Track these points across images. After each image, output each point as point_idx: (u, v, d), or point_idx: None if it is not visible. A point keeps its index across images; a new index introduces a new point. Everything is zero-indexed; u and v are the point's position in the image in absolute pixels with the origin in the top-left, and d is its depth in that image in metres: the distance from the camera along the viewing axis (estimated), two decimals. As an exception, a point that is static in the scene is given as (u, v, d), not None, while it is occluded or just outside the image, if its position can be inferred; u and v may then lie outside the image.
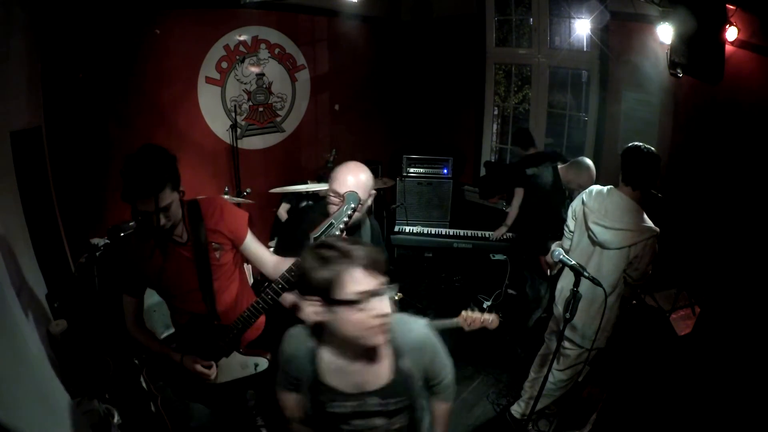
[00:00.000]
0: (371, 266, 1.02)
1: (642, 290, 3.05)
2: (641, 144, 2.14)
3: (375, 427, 1.19)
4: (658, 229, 2.08)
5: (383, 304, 1.04)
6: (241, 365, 1.76)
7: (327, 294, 1.01)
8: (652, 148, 2.12)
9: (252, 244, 1.78)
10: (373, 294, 1.02)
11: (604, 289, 1.83)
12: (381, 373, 1.17)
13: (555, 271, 2.57)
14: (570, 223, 2.43)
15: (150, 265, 1.66)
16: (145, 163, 1.48)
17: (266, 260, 1.79)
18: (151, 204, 1.46)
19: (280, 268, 1.65)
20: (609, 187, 2.25)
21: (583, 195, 2.33)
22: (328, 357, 1.16)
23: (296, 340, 1.21)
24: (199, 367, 1.69)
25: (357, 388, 1.16)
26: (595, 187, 2.32)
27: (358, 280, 1.01)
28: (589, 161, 3.10)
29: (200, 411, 1.81)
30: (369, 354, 1.13)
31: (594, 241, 2.20)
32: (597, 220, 2.17)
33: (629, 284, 2.22)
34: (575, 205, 2.39)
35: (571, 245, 2.39)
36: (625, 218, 2.10)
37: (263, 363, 1.78)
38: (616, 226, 2.10)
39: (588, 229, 2.23)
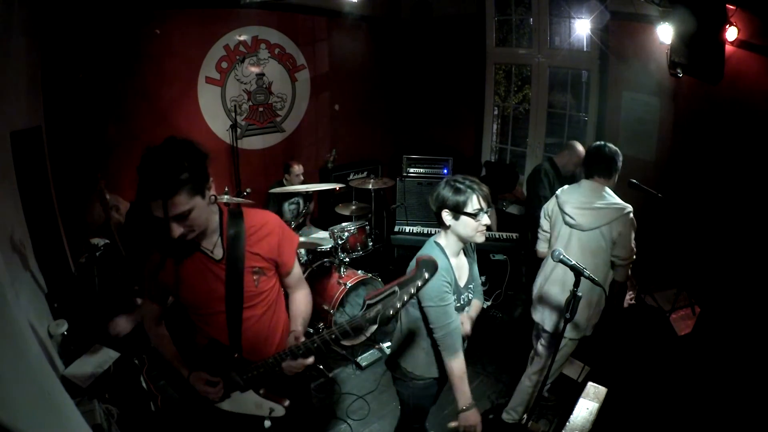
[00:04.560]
0: (484, 196, 1.66)
1: (642, 290, 3.06)
2: (600, 143, 2.32)
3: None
4: (630, 206, 2.20)
5: (486, 219, 1.66)
6: (255, 404, 1.57)
7: (458, 209, 1.64)
8: (605, 143, 2.28)
9: (293, 272, 1.61)
10: (482, 210, 1.65)
11: (604, 289, 1.87)
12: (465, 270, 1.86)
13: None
14: (543, 223, 2.51)
15: (167, 275, 1.46)
16: (160, 159, 1.23)
17: (293, 294, 1.65)
18: (159, 209, 1.23)
19: (300, 307, 1.59)
20: (581, 180, 2.37)
21: (557, 192, 2.43)
22: (453, 262, 1.74)
23: (437, 256, 1.63)
24: (204, 386, 1.51)
25: (462, 281, 1.80)
26: (566, 186, 2.44)
27: (476, 202, 1.65)
28: (578, 143, 3.21)
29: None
30: (460, 256, 1.82)
31: (572, 226, 2.30)
32: (573, 205, 2.29)
33: (620, 266, 2.27)
34: (548, 206, 2.47)
35: (549, 242, 2.47)
36: (597, 200, 2.24)
37: (279, 410, 1.56)
38: (591, 207, 2.23)
39: (564, 216, 2.32)
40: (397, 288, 1.19)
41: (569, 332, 2.33)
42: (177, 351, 1.61)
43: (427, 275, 1.18)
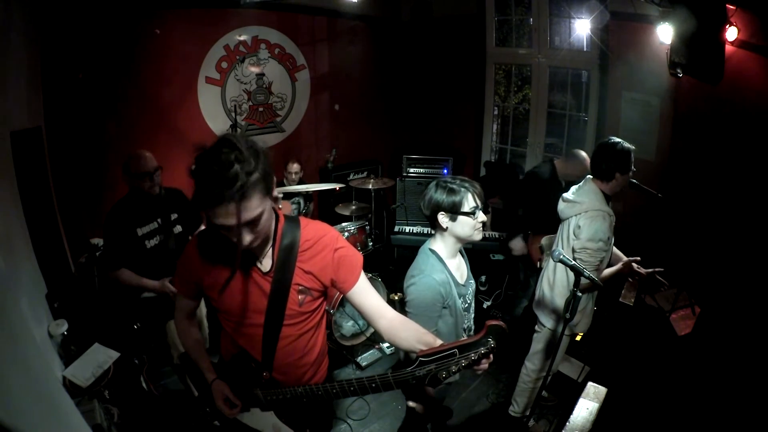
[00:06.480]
0: (478, 194, 1.69)
1: (642, 290, 3.05)
2: (606, 140, 2.27)
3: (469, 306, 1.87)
4: (603, 209, 2.20)
5: (482, 216, 1.68)
6: (273, 426, 1.47)
7: (455, 209, 1.65)
8: (609, 142, 2.23)
9: (361, 293, 1.37)
10: (477, 208, 1.68)
11: (600, 285, 1.91)
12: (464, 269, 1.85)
13: (545, 262, 2.62)
14: None
15: (205, 276, 1.36)
16: (228, 159, 1.09)
17: (378, 314, 1.36)
18: (231, 215, 1.08)
19: (397, 333, 1.31)
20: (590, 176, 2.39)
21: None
22: (449, 264, 1.74)
23: (433, 267, 1.69)
24: (221, 402, 1.41)
25: (461, 279, 1.79)
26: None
27: (471, 201, 1.67)
28: (583, 153, 3.16)
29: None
30: (458, 256, 1.81)
31: (558, 212, 2.40)
32: (563, 196, 2.38)
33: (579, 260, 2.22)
34: None
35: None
36: (579, 195, 2.29)
37: None
38: (569, 199, 2.32)
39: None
40: (456, 350, 1.08)
41: (547, 321, 2.43)
42: (205, 352, 1.53)
43: (492, 344, 1.07)
